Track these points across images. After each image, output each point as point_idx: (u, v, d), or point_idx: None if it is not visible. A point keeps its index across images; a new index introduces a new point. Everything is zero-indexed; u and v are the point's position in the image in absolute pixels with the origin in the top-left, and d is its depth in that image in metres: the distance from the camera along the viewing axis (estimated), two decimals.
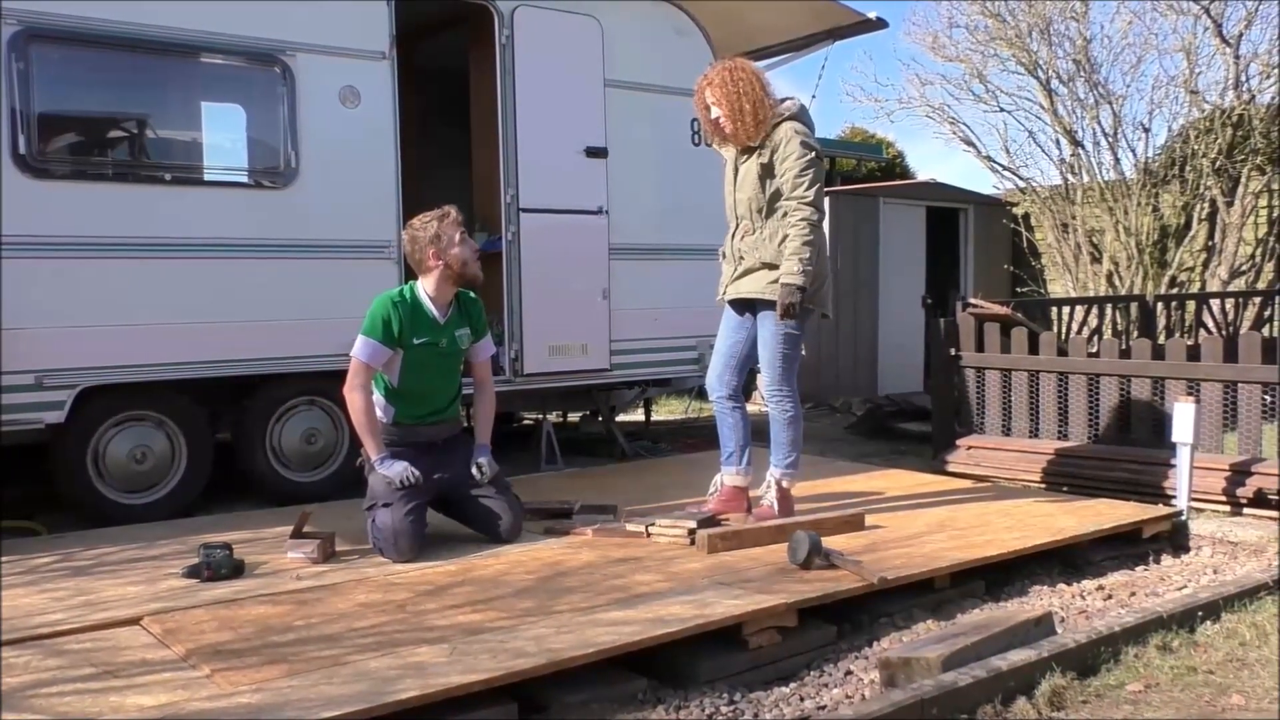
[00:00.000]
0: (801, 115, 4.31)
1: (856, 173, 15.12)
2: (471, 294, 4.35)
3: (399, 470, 3.98)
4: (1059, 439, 5.84)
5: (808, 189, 4.18)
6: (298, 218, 5.17)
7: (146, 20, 4.77)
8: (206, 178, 5.17)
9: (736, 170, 4.38)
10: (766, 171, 4.26)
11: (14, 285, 4.49)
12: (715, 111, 4.29)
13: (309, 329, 5.17)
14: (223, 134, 5.34)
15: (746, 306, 4.42)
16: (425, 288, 4.17)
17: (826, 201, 4.78)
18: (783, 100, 4.34)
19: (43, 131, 4.62)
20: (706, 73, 4.39)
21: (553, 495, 4.86)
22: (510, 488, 4.33)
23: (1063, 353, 5.91)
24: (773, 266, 4.23)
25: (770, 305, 4.25)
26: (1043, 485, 5.62)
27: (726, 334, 4.51)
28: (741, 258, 4.35)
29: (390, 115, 5.41)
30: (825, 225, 4.33)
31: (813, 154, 4.22)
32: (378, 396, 4.17)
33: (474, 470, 4.19)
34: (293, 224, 5.16)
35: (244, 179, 5.24)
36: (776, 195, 4.25)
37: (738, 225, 4.41)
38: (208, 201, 5.05)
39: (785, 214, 4.21)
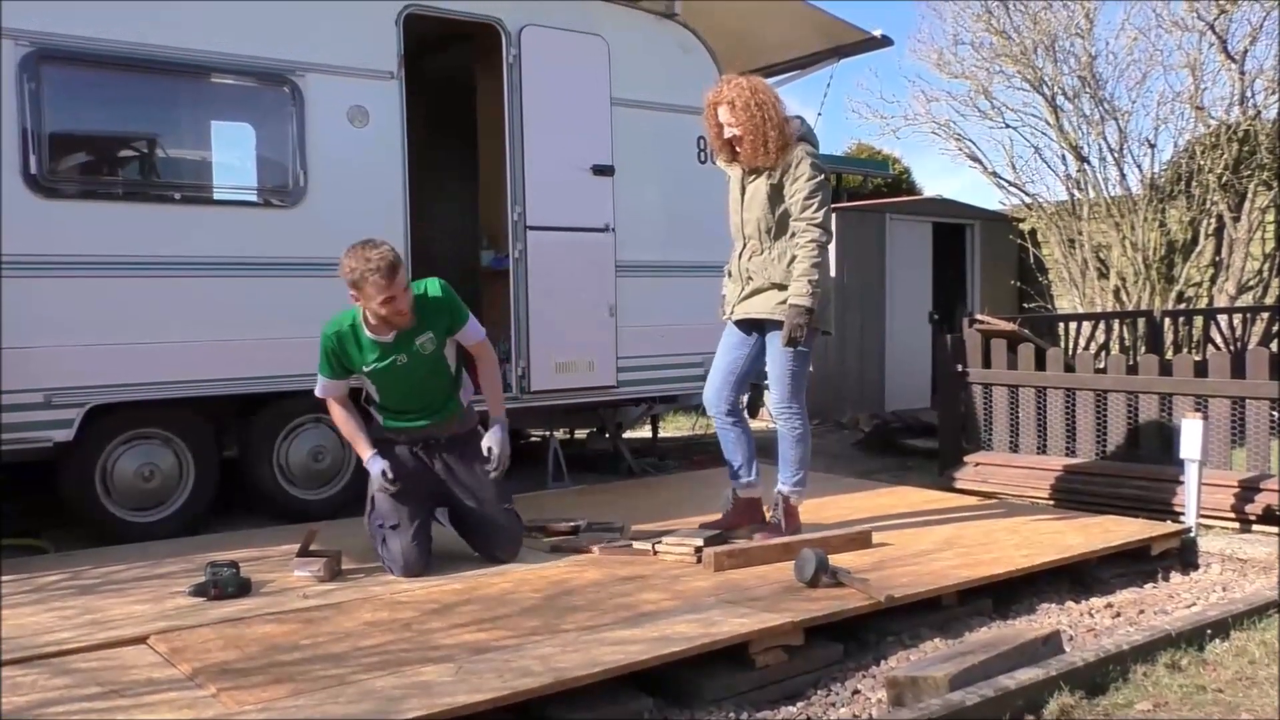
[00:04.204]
0: (809, 135, 4.32)
1: (863, 189, 15.14)
2: (433, 290, 4.02)
3: (376, 472, 4.03)
4: (1066, 455, 5.82)
5: (816, 210, 4.17)
6: (306, 236, 5.19)
7: (156, 41, 4.81)
8: (216, 197, 5.21)
9: (744, 189, 4.35)
10: (776, 193, 4.24)
11: (24, 304, 4.52)
12: (731, 132, 4.23)
13: (316, 347, 5.17)
14: (232, 153, 5.38)
15: (754, 326, 4.40)
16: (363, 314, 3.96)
17: (833, 218, 4.77)
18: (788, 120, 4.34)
19: (53, 151, 4.65)
20: (719, 88, 4.28)
21: (559, 513, 4.85)
22: (512, 505, 4.29)
23: (1070, 369, 5.90)
24: (782, 287, 4.22)
25: (779, 325, 4.23)
26: (1050, 502, 5.60)
27: (727, 350, 4.48)
28: (750, 278, 4.33)
29: (398, 134, 5.44)
30: (832, 242, 4.32)
31: (822, 176, 4.22)
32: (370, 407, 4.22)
33: (484, 452, 4.13)
34: (301, 242, 5.18)
35: (253, 198, 5.27)
36: (786, 216, 4.24)
37: (745, 245, 4.39)
38: (217, 220, 5.08)
39: (794, 234, 4.22)
